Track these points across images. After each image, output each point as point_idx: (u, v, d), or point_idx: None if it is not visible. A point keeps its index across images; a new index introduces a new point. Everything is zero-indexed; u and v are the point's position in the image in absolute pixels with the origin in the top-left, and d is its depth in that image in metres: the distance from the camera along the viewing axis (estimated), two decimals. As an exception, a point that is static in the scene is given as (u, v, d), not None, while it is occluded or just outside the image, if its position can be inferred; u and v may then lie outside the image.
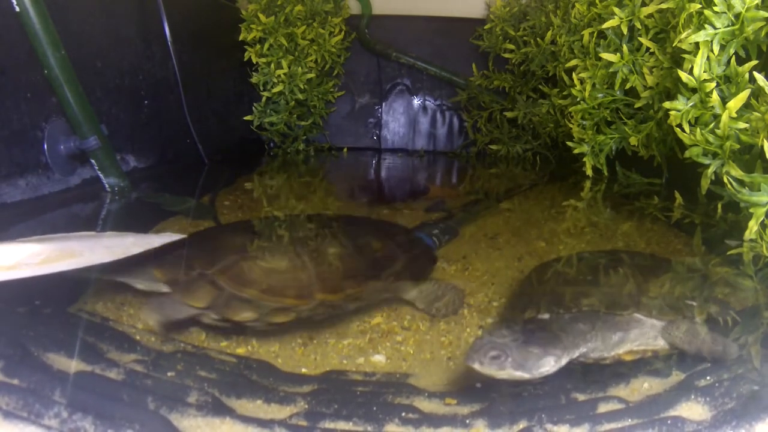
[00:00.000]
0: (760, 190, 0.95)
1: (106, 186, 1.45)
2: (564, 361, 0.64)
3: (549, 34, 2.04)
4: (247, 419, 0.56)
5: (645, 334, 0.73)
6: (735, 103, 1.01)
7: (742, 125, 1.01)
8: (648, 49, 1.46)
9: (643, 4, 1.45)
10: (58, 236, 0.91)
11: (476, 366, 0.61)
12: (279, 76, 2.23)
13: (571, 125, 1.77)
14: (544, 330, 0.67)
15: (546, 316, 0.74)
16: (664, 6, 1.33)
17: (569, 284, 0.83)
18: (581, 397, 0.63)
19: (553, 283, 0.86)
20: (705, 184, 1.12)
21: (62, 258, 0.77)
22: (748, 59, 1.04)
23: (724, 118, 1.02)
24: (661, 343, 0.73)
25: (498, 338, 0.63)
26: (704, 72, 1.07)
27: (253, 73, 2.28)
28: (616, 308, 0.72)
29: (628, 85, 1.53)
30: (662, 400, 0.59)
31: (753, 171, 0.99)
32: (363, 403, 0.63)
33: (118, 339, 0.75)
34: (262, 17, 2.19)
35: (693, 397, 0.58)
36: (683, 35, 1.09)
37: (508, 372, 0.61)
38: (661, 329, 0.73)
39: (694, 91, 1.10)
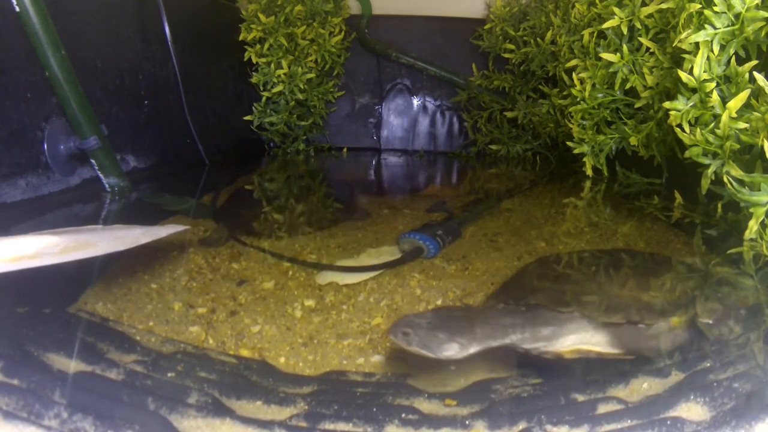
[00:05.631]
0: (760, 190, 0.95)
1: (106, 186, 1.45)
2: (473, 350, 0.68)
3: (549, 34, 2.04)
4: (247, 420, 0.56)
5: (582, 333, 0.73)
6: (735, 103, 1.01)
7: (742, 125, 1.00)
8: (648, 49, 1.46)
9: (643, 4, 1.45)
10: (70, 229, 0.94)
11: (391, 337, 0.69)
12: (279, 76, 2.23)
13: (571, 125, 1.77)
14: (461, 319, 0.71)
15: (500, 306, 0.81)
16: (664, 6, 1.33)
17: (536, 280, 0.87)
18: (580, 397, 0.63)
19: (525, 279, 0.92)
20: (705, 184, 1.12)
21: (79, 248, 0.80)
22: (748, 59, 1.04)
23: (724, 118, 1.02)
24: (601, 344, 0.73)
25: (417, 319, 0.70)
26: (704, 72, 1.07)
27: (253, 73, 2.28)
28: (558, 305, 0.75)
29: (628, 85, 1.53)
30: (662, 400, 0.59)
31: (753, 171, 0.99)
32: (363, 404, 0.63)
33: (118, 339, 0.75)
34: (262, 17, 2.19)
35: (692, 397, 0.58)
36: (683, 35, 1.09)
37: (415, 349, 0.67)
38: (600, 330, 0.73)
39: (694, 91, 1.10)
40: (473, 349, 0.68)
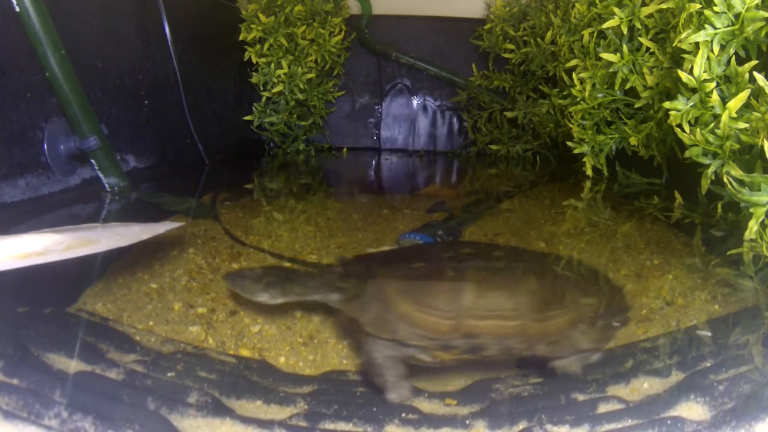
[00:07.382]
0: (760, 190, 0.95)
1: (106, 186, 1.45)
2: (280, 300, 0.83)
3: (549, 34, 2.04)
4: (246, 420, 0.56)
5: None
6: (735, 103, 1.01)
7: (742, 125, 1.00)
8: (648, 49, 1.46)
9: (643, 4, 1.45)
10: (70, 228, 0.95)
11: (225, 280, 0.88)
12: (279, 76, 2.23)
13: (571, 125, 1.77)
14: (279, 277, 0.85)
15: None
16: (664, 6, 1.33)
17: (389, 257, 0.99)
18: (581, 397, 0.63)
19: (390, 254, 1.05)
20: (705, 184, 1.12)
21: (83, 245, 0.82)
22: (748, 59, 1.04)
23: (724, 118, 1.02)
24: None
25: (248, 272, 0.86)
26: (704, 72, 1.07)
27: (253, 73, 2.28)
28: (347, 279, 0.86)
29: (628, 85, 1.53)
30: (662, 400, 0.59)
31: (753, 171, 0.99)
32: (363, 403, 0.63)
33: (118, 339, 0.75)
34: (262, 17, 2.19)
35: (693, 397, 0.58)
36: (683, 35, 1.09)
37: (237, 290, 0.84)
38: None
39: (694, 91, 1.10)
40: (281, 300, 0.83)
